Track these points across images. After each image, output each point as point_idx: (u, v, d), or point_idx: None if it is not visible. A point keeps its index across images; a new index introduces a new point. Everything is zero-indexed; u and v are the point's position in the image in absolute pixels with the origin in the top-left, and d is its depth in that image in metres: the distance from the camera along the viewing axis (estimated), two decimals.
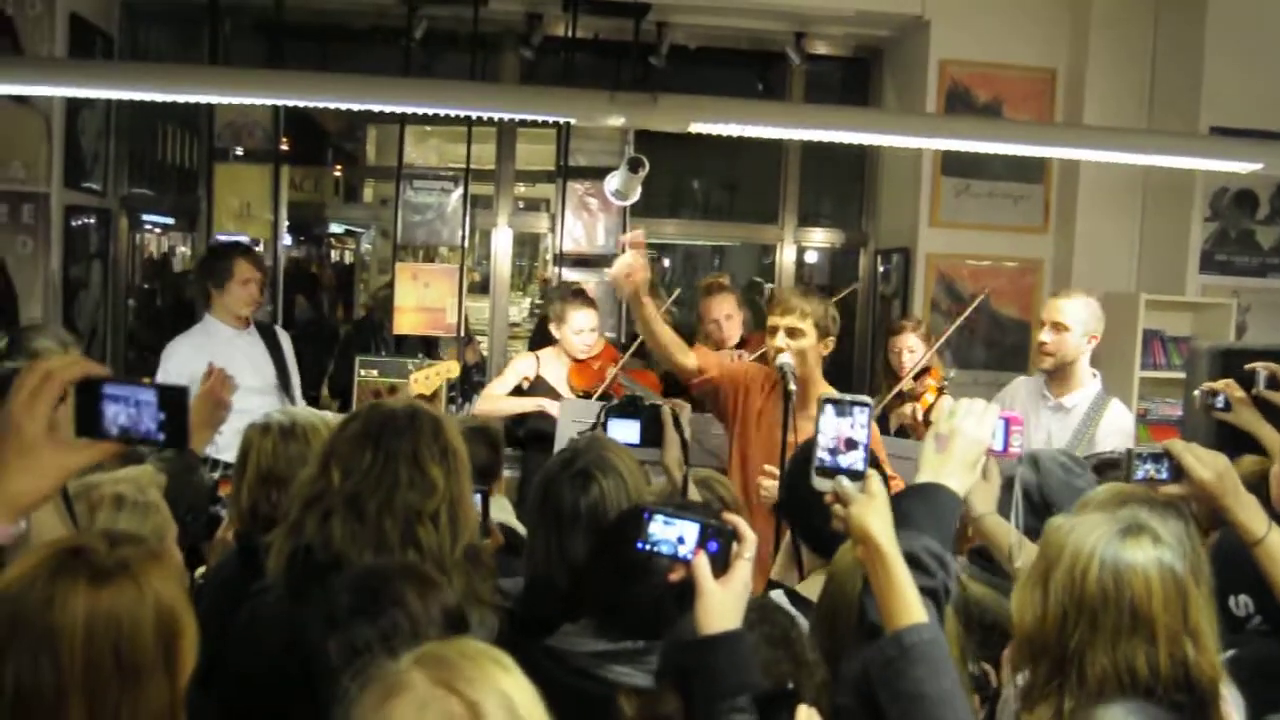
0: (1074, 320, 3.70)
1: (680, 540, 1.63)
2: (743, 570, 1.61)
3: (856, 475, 1.66)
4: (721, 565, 1.61)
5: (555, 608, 1.93)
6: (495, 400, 4.48)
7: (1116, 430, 3.66)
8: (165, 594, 1.44)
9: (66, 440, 1.46)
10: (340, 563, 1.86)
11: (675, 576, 1.63)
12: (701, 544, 1.62)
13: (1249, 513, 2.04)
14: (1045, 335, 3.75)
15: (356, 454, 1.94)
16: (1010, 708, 1.86)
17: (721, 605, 1.58)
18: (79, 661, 1.37)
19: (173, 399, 1.42)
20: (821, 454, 1.69)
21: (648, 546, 1.65)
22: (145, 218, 6.89)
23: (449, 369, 4.54)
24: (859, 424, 1.69)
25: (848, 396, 1.73)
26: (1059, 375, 3.77)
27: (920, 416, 4.08)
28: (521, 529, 2.73)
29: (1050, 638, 1.71)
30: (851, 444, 1.68)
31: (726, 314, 4.89)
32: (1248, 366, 3.25)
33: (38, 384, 1.43)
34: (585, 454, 2.02)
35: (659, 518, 1.65)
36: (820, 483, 1.69)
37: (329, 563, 1.86)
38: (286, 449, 2.45)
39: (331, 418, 2.62)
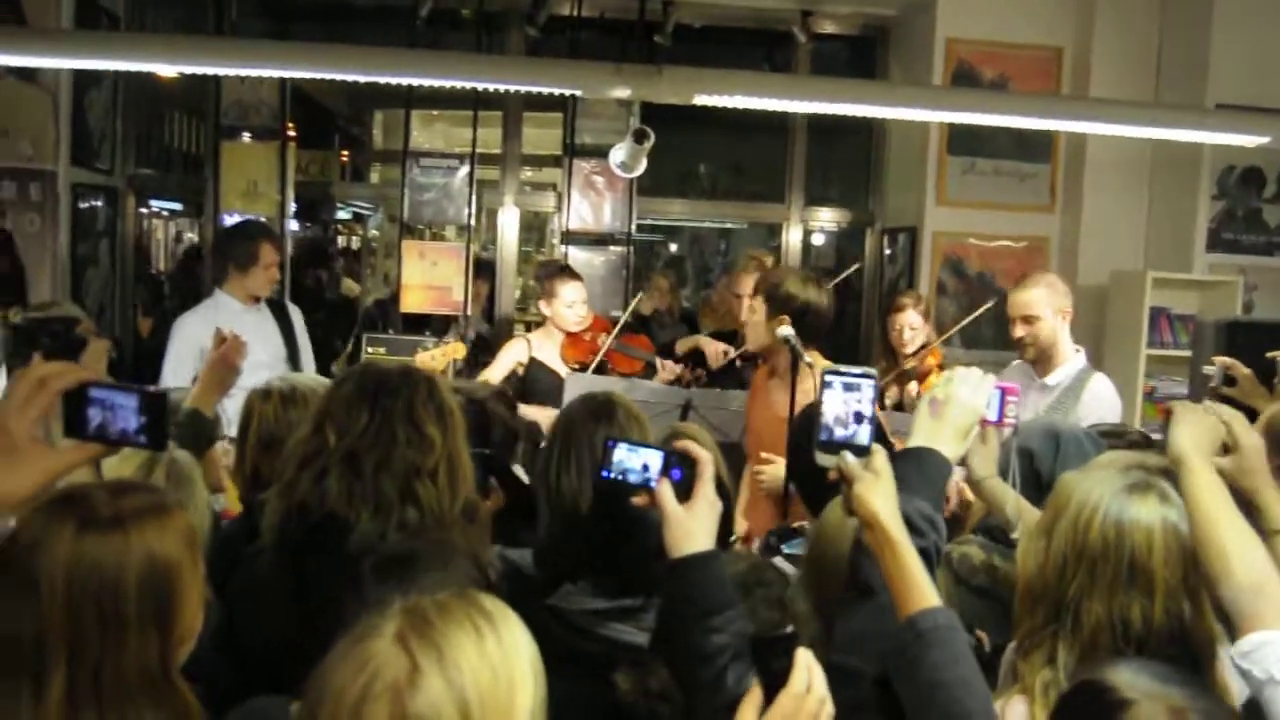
0: (1041, 308, 3.73)
1: (645, 468, 1.66)
2: (706, 491, 1.64)
3: (861, 450, 1.61)
4: (686, 491, 1.64)
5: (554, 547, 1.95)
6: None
7: (1096, 402, 3.66)
8: (161, 549, 1.42)
9: (53, 442, 1.49)
10: (335, 520, 1.84)
11: (640, 502, 1.66)
12: (665, 471, 1.65)
13: (1270, 497, 1.83)
14: (1019, 331, 3.77)
15: (352, 414, 1.92)
16: (1009, 658, 1.86)
17: (687, 528, 1.61)
18: (59, 610, 1.35)
19: (153, 403, 1.49)
20: (825, 429, 1.63)
21: (613, 474, 1.68)
22: (153, 202, 6.91)
23: (455, 350, 4.54)
24: (865, 398, 1.63)
25: (854, 369, 1.68)
26: (1041, 357, 3.81)
27: (920, 394, 4.10)
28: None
29: (1050, 585, 1.72)
30: (858, 418, 1.64)
31: None
32: (1269, 355, 3.24)
33: (32, 390, 1.46)
34: (610, 398, 2.06)
35: (623, 446, 1.68)
36: (824, 459, 1.63)
37: (324, 520, 1.85)
38: (287, 414, 2.44)
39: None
